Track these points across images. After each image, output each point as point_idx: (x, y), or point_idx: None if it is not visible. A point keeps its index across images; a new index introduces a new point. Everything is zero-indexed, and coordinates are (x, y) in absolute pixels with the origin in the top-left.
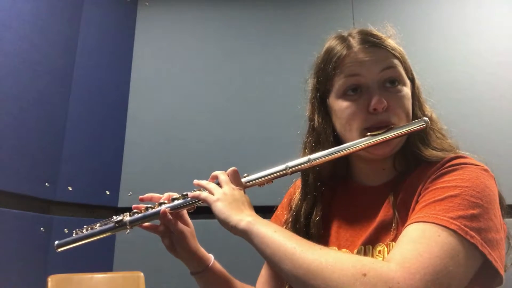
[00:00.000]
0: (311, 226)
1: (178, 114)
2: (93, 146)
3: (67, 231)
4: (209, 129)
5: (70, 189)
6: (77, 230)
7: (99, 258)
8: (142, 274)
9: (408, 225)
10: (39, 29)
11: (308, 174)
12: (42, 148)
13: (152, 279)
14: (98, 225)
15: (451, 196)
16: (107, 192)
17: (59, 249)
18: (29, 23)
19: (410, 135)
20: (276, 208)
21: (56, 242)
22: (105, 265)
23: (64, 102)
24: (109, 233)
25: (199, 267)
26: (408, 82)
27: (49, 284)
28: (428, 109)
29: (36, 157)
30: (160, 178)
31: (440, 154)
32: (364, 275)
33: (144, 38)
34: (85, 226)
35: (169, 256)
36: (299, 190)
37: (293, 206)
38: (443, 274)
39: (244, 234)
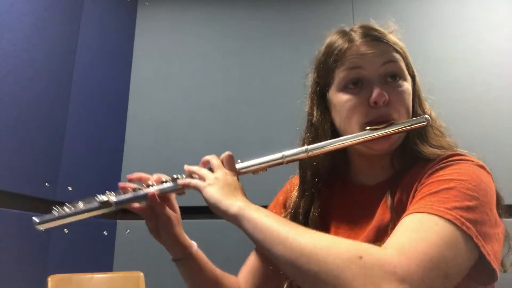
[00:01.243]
0: (310, 224)
1: (178, 114)
2: (93, 146)
3: (67, 231)
4: (209, 129)
5: (70, 189)
6: (57, 207)
7: (99, 258)
8: (142, 274)
9: (404, 216)
10: (39, 29)
11: (306, 170)
12: (42, 148)
13: (152, 279)
14: (81, 203)
15: (447, 188)
16: (107, 192)
17: (40, 226)
18: (29, 23)
19: (409, 132)
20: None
21: (36, 219)
22: (105, 265)
23: (64, 102)
24: (93, 213)
25: (182, 254)
26: (409, 77)
27: (49, 284)
28: (427, 107)
29: (36, 157)
30: None
31: (438, 151)
32: (360, 257)
33: (144, 38)
34: (66, 204)
35: (169, 256)
36: (296, 188)
37: (291, 204)
38: (440, 262)
39: (235, 219)
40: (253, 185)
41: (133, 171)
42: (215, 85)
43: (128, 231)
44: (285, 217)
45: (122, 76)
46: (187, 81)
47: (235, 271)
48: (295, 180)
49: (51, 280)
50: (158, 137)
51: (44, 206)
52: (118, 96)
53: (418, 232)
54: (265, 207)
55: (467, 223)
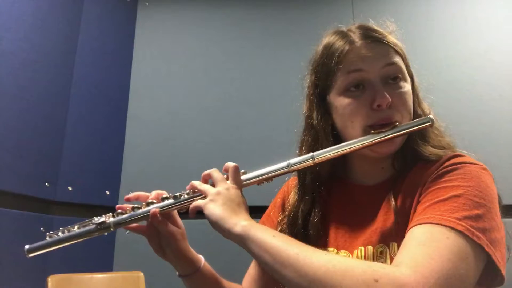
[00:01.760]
0: (309, 227)
1: (178, 114)
2: (93, 146)
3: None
4: (209, 129)
5: (70, 189)
6: (51, 233)
7: (99, 258)
8: (142, 274)
9: (413, 226)
10: (39, 29)
11: (305, 174)
12: (42, 148)
13: (152, 279)
14: (76, 227)
15: (455, 196)
16: (107, 192)
17: (30, 255)
18: (29, 23)
19: (410, 133)
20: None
21: (27, 247)
22: (105, 265)
23: (64, 102)
24: (89, 237)
25: (189, 270)
26: (408, 78)
27: (49, 284)
28: (426, 106)
29: (36, 157)
30: (160, 178)
31: (439, 152)
32: (376, 280)
33: (144, 38)
34: (60, 229)
35: None
36: (294, 190)
37: (290, 207)
38: (455, 277)
39: (239, 240)
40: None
41: (133, 171)
42: (215, 85)
43: (128, 231)
44: (283, 219)
45: (122, 76)
46: (187, 81)
47: (235, 272)
48: (292, 181)
49: (51, 280)
50: (158, 137)
51: (44, 206)
52: (118, 96)
53: (430, 246)
54: (264, 207)
55: (478, 233)
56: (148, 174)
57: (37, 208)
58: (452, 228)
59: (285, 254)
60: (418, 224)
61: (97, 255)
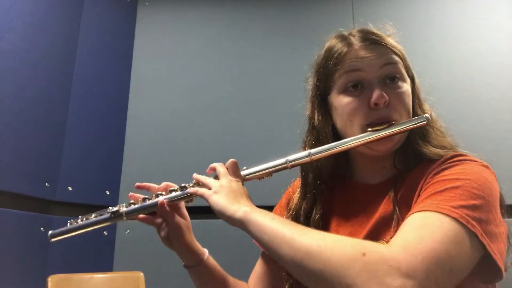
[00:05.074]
0: (311, 225)
1: (178, 114)
2: (93, 146)
3: None
4: (209, 129)
5: (70, 189)
6: (71, 220)
7: (99, 258)
8: (142, 274)
9: (409, 215)
10: (39, 29)
11: (308, 173)
12: (42, 148)
13: (152, 279)
14: (93, 215)
15: (453, 187)
16: (107, 192)
17: (53, 239)
18: (29, 23)
19: (411, 132)
20: (274, 208)
21: (50, 232)
22: (105, 265)
23: (64, 102)
24: (104, 224)
25: (193, 261)
26: (408, 79)
27: (49, 284)
28: (427, 107)
29: (36, 157)
30: (160, 178)
31: (440, 151)
32: (364, 254)
33: (144, 38)
34: (80, 217)
35: (169, 256)
36: (298, 190)
37: (293, 206)
38: (445, 259)
39: (241, 224)
40: (256, 186)
41: (133, 171)
42: (215, 85)
43: (128, 231)
44: (286, 218)
45: (122, 76)
46: (187, 81)
47: (235, 271)
48: (297, 182)
49: (51, 280)
50: (158, 137)
51: (44, 206)
52: (118, 96)
53: (423, 229)
54: (269, 207)
55: (473, 222)
56: (148, 174)
57: (37, 208)
58: (447, 215)
59: (281, 233)
60: (414, 212)
61: (97, 255)
